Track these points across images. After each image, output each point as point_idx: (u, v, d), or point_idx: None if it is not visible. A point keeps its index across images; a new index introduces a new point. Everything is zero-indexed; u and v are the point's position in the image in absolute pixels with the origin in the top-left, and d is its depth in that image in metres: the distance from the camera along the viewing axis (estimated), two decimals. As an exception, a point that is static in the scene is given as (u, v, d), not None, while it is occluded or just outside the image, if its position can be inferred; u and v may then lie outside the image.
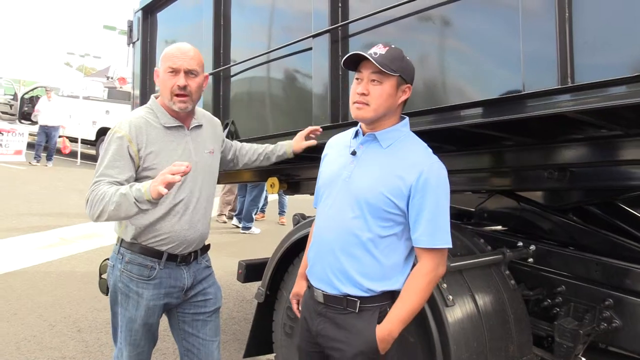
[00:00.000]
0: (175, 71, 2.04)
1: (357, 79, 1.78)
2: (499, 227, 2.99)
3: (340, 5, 2.56)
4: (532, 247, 2.55)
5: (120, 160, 1.98)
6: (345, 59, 1.78)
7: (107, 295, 2.24)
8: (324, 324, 1.84)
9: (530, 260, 2.56)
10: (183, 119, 2.15)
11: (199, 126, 2.23)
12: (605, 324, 2.23)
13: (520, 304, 2.36)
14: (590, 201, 2.68)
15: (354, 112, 1.79)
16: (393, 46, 1.77)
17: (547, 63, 1.74)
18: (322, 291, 1.84)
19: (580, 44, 1.70)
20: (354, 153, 1.83)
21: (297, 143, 2.57)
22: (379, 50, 1.73)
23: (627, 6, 1.62)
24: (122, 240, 2.15)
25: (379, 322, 1.75)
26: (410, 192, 1.70)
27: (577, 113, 1.75)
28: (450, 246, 1.75)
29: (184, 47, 2.09)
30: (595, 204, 2.70)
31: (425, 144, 1.82)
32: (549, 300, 2.45)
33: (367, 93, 1.74)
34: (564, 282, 2.42)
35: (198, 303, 2.27)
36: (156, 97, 2.17)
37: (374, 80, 1.73)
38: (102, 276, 2.25)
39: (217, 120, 2.43)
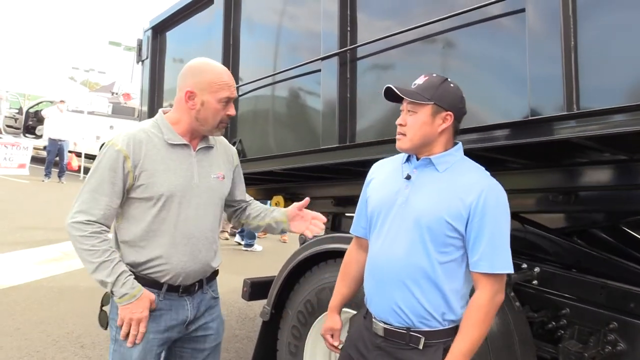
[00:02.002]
0: (229, 101, 1.94)
1: (400, 110, 1.79)
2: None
3: (349, 29, 2.62)
4: (537, 269, 2.56)
5: (108, 183, 1.86)
6: (384, 93, 1.78)
7: (106, 329, 2.03)
8: (383, 357, 1.78)
9: (535, 282, 2.57)
10: (191, 139, 2.00)
11: (209, 148, 2.06)
12: (610, 347, 2.23)
13: (525, 325, 2.36)
14: (594, 224, 2.70)
15: (396, 143, 1.79)
16: (434, 75, 1.76)
17: (554, 89, 1.79)
18: (384, 324, 1.78)
19: (586, 72, 1.75)
20: (408, 177, 1.79)
21: (295, 225, 2.21)
22: (419, 81, 1.74)
23: (631, 35, 1.67)
24: None
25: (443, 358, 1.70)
26: (469, 214, 1.66)
27: (583, 139, 1.78)
28: (512, 271, 1.70)
29: (227, 72, 1.97)
30: (599, 227, 2.73)
31: (482, 167, 1.79)
32: (554, 323, 2.44)
33: (404, 124, 1.74)
34: (569, 305, 2.42)
35: (198, 338, 2.10)
36: (164, 112, 2.03)
37: (409, 111, 1.74)
38: (104, 308, 2.02)
39: (233, 148, 2.27)
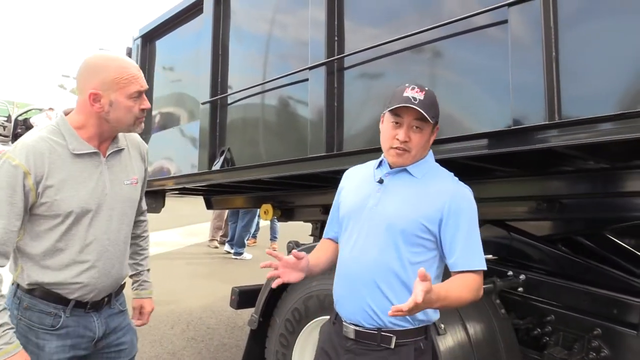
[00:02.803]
0: (141, 93, 1.76)
1: (395, 122, 1.73)
2: (490, 256, 3.03)
3: (336, 38, 2.65)
4: (522, 277, 2.58)
5: (11, 204, 1.63)
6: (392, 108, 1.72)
7: None
8: None
9: (520, 289, 2.59)
10: (100, 144, 1.79)
11: (119, 151, 1.87)
12: (594, 354, 2.26)
13: (510, 332, 2.39)
14: (579, 232, 2.74)
15: (392, 157, 1.76)
16: (427, 88, 1.74)
17: (536, 99, 1.82)
18: (355, 326, 1.77)
19: (567, 82, 1.79)
20: (381, 181, 1.80)
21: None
22: (417, 95, 1.70)
23: (611, 46, 1.71)
24: (18, 284, 1.78)
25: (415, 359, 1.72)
26: (442, 217, 1.71)
27: (564, 148, 1.82)
28: (485, 268, 1.75)
29: (133, 63, 1.80)
30: (584, 234, 2.76)
31: (452, 173, 1.84)
32: (539, 330, 2.47)
33: (408, 140, 1.72)
34: (554, 312, 2.45)
35: (111, 354, 1.94)
36: (66, 114, 1.80)
37: (417, 127, 1.72)
38: None
39: (144, 144, 2.06)
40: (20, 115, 17.13)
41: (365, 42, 2.50)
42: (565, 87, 1.79)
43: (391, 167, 1.81)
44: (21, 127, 16.69)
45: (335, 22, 2.65)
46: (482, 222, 3.03)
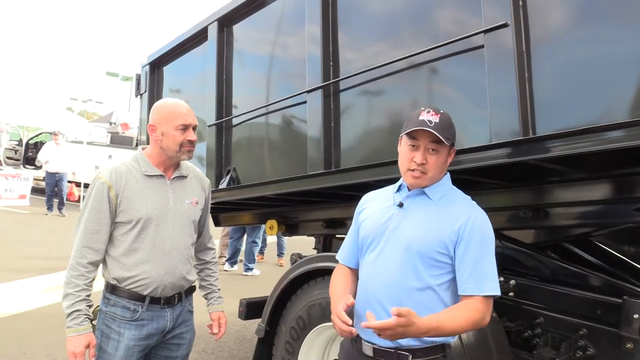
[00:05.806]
0: (186, 127, 2.21)
1: (412, 145, 1.79)
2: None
3: (331, 63, 2.84)
4: (512, 282, 2.72)
5: (99, 211, 2.14)
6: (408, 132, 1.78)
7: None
8: None
9: (511, 294, 2.73)
10: (165, 169, 2.27)
11: (183, 177, 2.33)
12: (581, 352, 2.39)
13: (502, 335, 2.52)
14: (565, 239, 2.88)
15: (410, 179, 1.82)
16: (442, 111, 1.79)
17: (511, 117, 2.00)
18: (372, 344, 1.81)
19: (540, 101, 1.97)
20: (400, 205, 1.85)
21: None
22: (432, 117, 1.75)
23: (578, 68, 1.89)
24: (107, 284, 2.24)
25: None
26: (457, 238, 1.74)
27: (537, 160, 1.99)
28: (499, 293, 1.76)
29: (185, 105, 2.27)
30: (571, 241, 2.90)
31: (469, 197, 1.89)
32: (529, 332, 2.59)
33: (425, 162, 1.77)
34: (542, 314, 2.58)
35: (171, 346, 2.34)
36: (143, 149, 2.31)
37: (431, 149, 1.77)
38: (93, 322, 2.24)
39: (207, 179, 2.52)
40: (31, 139, 17.45)
41: (358, 65, 2.69)
42: (538, 105, 1.96)
43: (409, 190, 1.87)
44: (32, 150, 17.00)
45: (330, 48, 2.84)
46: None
